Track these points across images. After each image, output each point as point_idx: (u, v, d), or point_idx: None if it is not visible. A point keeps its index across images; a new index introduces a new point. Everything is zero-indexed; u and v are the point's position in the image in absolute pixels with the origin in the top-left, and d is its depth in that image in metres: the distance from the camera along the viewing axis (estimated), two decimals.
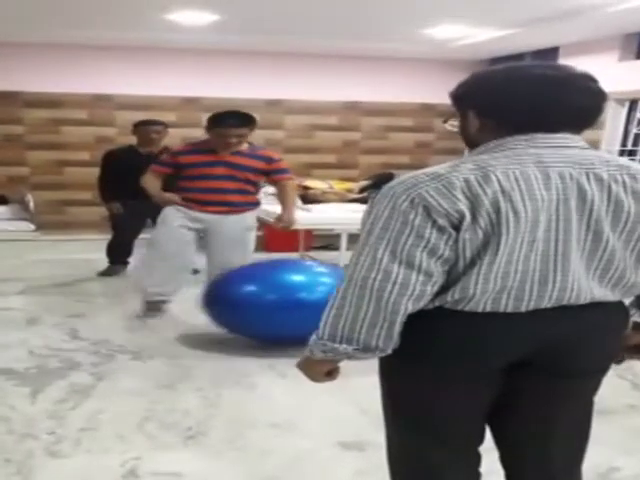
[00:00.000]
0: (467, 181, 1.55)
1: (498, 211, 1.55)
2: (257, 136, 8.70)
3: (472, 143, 1.74)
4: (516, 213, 1.55)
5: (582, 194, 1.60)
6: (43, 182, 8.59)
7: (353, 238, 5.66)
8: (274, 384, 3.72)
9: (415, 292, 1.58)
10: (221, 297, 4.24)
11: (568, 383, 1.79)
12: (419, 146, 9.35)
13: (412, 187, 1.58)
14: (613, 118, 7.50)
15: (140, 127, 6.04)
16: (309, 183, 7.45)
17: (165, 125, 6.08)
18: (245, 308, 4.09)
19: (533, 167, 1.58)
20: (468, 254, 1.59)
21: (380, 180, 7.41)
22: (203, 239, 4.91)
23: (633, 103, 7.40)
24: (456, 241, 1.57)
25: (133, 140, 6.09)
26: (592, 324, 1.72)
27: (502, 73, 1.70)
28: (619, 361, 1.91)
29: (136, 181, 4.82)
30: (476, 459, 1.91)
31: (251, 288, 4.21)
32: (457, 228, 1.56)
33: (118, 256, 6.35)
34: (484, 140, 1.68)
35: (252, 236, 4.86)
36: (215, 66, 8.52)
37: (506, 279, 1.60)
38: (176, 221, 4.67)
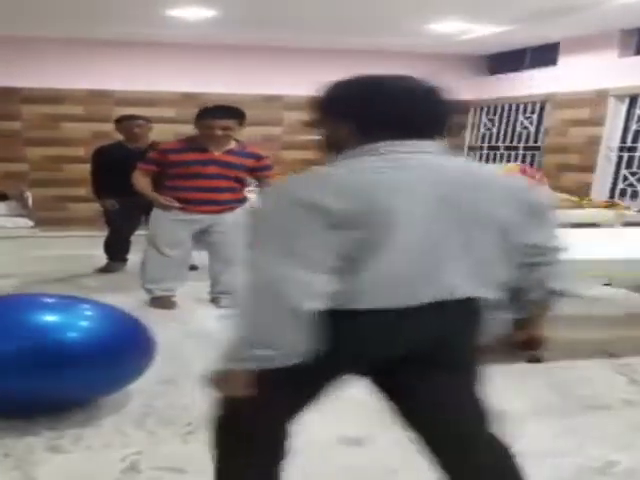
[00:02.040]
0: (357, 182, 1.64)
1: (388, 212, 1.63)
2: (255, 132, 8.78)
3: (336, 148, 1.82)
4: (403, 214, 1.64)
5: (456, 197, 1.72)
6: (42, 178, 8.59)
7: None
8: None
9: (313, 292, 1.61)
10: None
11: (449, 376, 1.93)
12: None
13: (303, 188, 1.65)
14: (613, 114, 7.50)
15: (122, 122, 6.03)
16: None
17: (148, 120, 6.06)
18: None
19: (414, 172, 1.70)
20: (359, 253, 1.65)
21: None
22: (199, 237, 4.92)
23: (633, 99, 7.39)
24: (348, 241, 1.62)
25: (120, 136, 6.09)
26: (466, 319, 1.87)
27: (373, 84, 1.79)
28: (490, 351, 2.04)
29: (128, 177, 4.81)
30: None
31: None
32: (349, 228, 1.62)
33: (116, 253, 6.35)
34: (350, 146, 1.77)
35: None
36: (214, 62, 8.52)
37: (393, 277, 1.69)
38: (170, 220, 4.68)
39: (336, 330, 1.70)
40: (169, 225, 4.69)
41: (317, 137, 1.88)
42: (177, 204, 4.63)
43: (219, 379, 1.78)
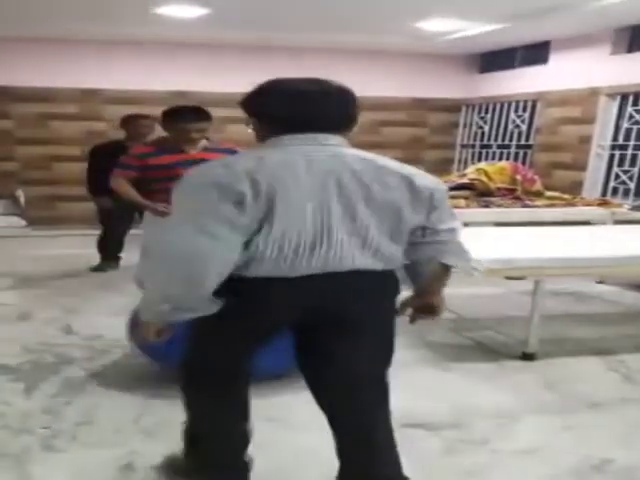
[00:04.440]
0: (248, 168, 1.98)
1: (272, 192, 1.97)
2: (246, 131, 8.75)
3: (260, 141, 2.19)
4: (287, 194, 1.98)
5: (339, 182, 2.05)
6: (33, 177, 8.56)
7: None
8: (270, 379, 3.72)
9: (221, 259, 1.98)
10: None
11: (346, 335, 2.23)
12: (412, 141, 9.36)
13: (207, 174, 2.03)
14: (604, 112, 7.52)
15: (129, 122, 6.00)
16: None
17: (153, 119, 6.01)
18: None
19: (300, 159, 2.04)
20: (254, 226, 1.99)
21: None
22: None
23: (624, 97, 7.41)
24: (246, 215, 1.96)
25: (121, 134, 6.07)
26: (355, 288, 2.16)
27: (278, 86, 2.16)
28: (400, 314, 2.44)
29: None
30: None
31: None
32: (244, 205, 1.95)
33: (110, 251, 6.34)
34: (265, 138, 2.15)
35: None
36: (205, 60, 8.50)
37: (282, 248, 2.02)
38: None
39: (241, 293, 2.08)
40: None
41: (250, 129, 2.22)
42: (167, 209, 4.56)
43: (140, 328, 2.21)
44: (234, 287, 2.05)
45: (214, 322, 2.11)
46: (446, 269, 2.36)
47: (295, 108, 2.09)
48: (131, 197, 4.62)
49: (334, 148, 2.11)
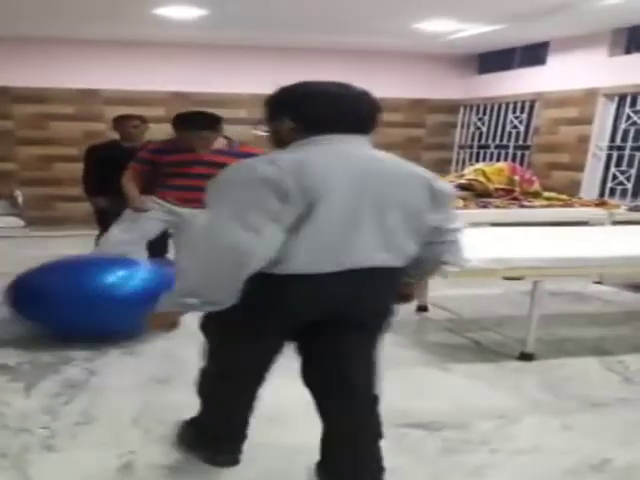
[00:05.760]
0: (293, 166, 2.00)
1: (315, 191, 1.99)
2: (247, 133, 8.76)
3: (283, 143, 2.19)
4: (328, 194, 2.01)
5: (373, 185, 2.10)
6: (32, 178, 8.56)
7: None
8: (268, 378, 3.72)
9: (262, 255, 1.99)
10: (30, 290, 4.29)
11: (355, 331, 2.32)
12: (410, 141, 9.36)
13: (255, 169, 2.01)
14: (602, 113, 7.53)
15: (119, 122, 6.00)
16: None
17: (144, 120, 6.01)
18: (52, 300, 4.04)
19: (339, 161, 2.08)
20: (292, 225, 2.01)
21: None
22: (173, 232, 4.98)
23: (622, 98, 7.43)
24: (289, 211, 1.98)
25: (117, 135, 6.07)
26: (376, 284, 2.24)
27: (314, 88, 2.20)
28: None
29: (120, 175, 4.81)
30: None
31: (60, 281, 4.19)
32: (288, 201, 1.97)
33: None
34: (295, 139, 2.15)
35: None
36: (204, 61, 8.51)
37: (313, 245, 2.05)
38: (151, 212, 4.69)
39: (269, 291, 2.12)
40: (149, 214, 4.71)
41: (267, 132, 2.24)
42: (148, 207, 4.65)
43: (153, 318, 2.19)
44: (262, 284, 2.08)
45: (241, 320, 2.20)
46: (440, 265, 2.49)
47: (333, 110, 2.13)
48: (127, 191, 4.71)
49: (368, 151, 2.18)
